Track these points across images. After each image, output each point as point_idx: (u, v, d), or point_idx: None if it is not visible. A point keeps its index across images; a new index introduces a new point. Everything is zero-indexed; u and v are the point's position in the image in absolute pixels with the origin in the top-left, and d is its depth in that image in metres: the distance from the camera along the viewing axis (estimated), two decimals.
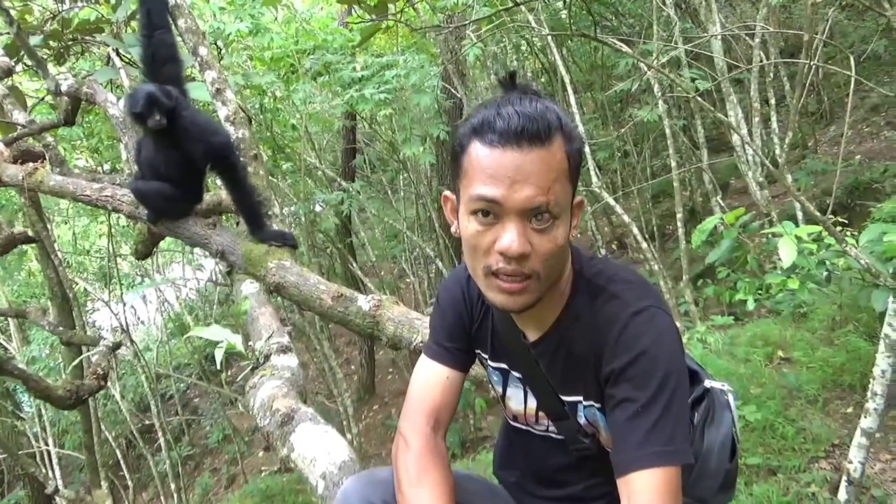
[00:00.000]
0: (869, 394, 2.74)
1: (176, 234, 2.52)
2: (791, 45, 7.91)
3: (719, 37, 4.24)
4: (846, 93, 8.05)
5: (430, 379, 1.21)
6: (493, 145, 0.92)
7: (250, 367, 1.65)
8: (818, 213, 2.60)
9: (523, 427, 1.23)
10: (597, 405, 1.08)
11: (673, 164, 5.23)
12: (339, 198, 5.68)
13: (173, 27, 2.68)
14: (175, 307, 12.02)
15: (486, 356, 1.22)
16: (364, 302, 1.91)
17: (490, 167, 0.93)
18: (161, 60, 2.47)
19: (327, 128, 7.69)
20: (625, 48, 2.89)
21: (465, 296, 1.22)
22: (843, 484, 2.85)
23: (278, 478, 7.40)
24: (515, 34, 6.64)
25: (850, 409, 3.44)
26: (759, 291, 4.37)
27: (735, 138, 4.77)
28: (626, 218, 5.04)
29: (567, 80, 4.88)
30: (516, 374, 1.18)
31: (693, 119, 6.62)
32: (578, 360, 1.07)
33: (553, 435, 1.19)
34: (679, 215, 5.31)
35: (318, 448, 1.27)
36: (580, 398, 1.10)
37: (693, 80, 4.82)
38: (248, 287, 2.23)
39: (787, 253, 2.87)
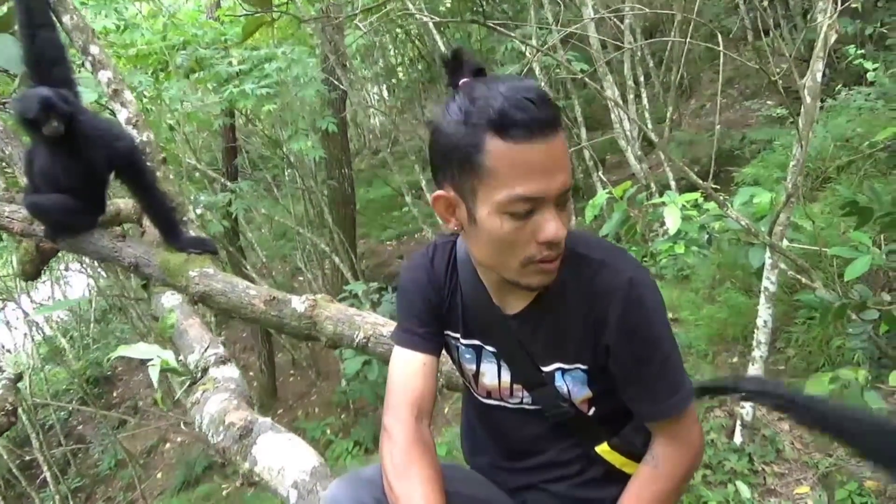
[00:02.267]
0: (754, 343, 2.99)
1: (80, 249, 2.30)
2: (650, 25, 8.42)
3: (594, 20, 4.45)
4: (702, 68, 8.70)
5: (407, 368, 1.19)
6: (519, 141, 0.91)
7: (188, 382, 1.55)
8: (701, 182, 2.79)
9: (496, 403, 1.23)
10: (583, 367, 1.12)
11: None
12: (227, 199, 5.44)
13: (58, 25, 2.44)
14: (46, 330, 11.05)
15: (458, 335, 1.21)
16: (298, 303, 1.85)
17: (525, 164, 0.92)
18: (49, 61, 2.25)
19: (205, 126, 7.33)
20: (512, 34, 2.96)
21: (430, 279, 1.21)
22: (738, 428, 3.11)
23: (184, 495, 7.07)
24: (392, 23, 6.62)
25: (735, 360, 3.75)
26: (645, 259, 4.66)
27: (614, 116, 5.03)
28: None
29: None
30: (490, 349, 1.18)
31: (570, 99, 6.91)
32: (568, 327, 1.09)
33: (527, 406, 1.20)
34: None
35: (285, 457, 1.22)
36: (562, 364, 1.12)
37: (569, 61, 5.02)
38: (170, 299, 2.09)
39: (672, 220, 3.05)
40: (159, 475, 8.40)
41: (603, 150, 8.11)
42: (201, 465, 7.46)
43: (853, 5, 3.08)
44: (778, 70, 3.00)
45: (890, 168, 3.98)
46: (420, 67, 9.86)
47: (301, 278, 9.16)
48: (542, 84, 5.08)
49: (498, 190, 0.94)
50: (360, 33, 5.32)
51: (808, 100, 2.52)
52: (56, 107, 2.07)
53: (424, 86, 10.42)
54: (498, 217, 0.96)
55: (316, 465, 1.20)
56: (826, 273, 3.18)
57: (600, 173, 5.83)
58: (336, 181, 7.27)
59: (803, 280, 3.09)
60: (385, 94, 12.69)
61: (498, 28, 2.73)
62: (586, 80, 2.65)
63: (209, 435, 1.37)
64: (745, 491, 2.84)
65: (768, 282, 2.90)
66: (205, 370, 1.58)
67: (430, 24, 4.32)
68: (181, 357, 1.65)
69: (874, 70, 4.20)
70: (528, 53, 4.47)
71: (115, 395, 10.92)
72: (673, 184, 5.54)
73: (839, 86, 5.36)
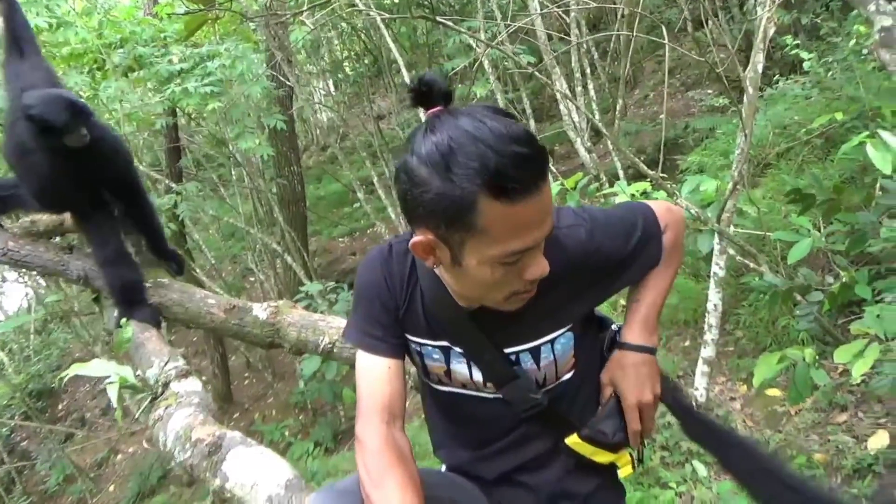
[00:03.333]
0: (706, 327, 3.08)
1: (23, 263, 2.15)
2: (594, 17, 8.55)
3: (540, 15, 4.49)
4: (644, 59, 8.88)
5: (371, 373, 1.16)
6: (516, 201, 0.89)
7: (148, 398, 1.48)
8: (650, 171, 2.85)
9: (472, 393, 1.22)
10: (569, 327, 1.16)
11: None
12: (173, 201, 5.29)
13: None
14: None
15: (421, 338, 1.19)
16: (260, 310, 1.80)
17: (519, 221, 0.91)
18: (23, 39, 2.03)
19: (146, 127, 7.10)
20: (461, 29, 2.96)
21: (386, 281, 1.18)
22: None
23: None
24: (338, 17, 6.54)
25: (687, 343, 3.87)
26: None
27: (562, 107, 5.09)
28: None
29: (402, 62, 4.90)
30: (458, 350, 1.17)
31: (517, 91, 6.97)
32: (540, 303, 1.09)
33: (502, 395, 1.20)
34: None
35: (258, 471, 1.19)
36: (556, 333, 1.15)
37: (517, 54, 5.06)
38: None
39: None
40: (112, 488, 8.14)
41: (551, 140, 8.21)
42: (156, 474, 7.27)
43: None
44: (718, 60, 3.09)
45: (826, 154, 4.15)
46: (367, 62, 9.78)
47: (252, 279, 9.00)
48: (491, 79, 5.10)
49: (491, 246, 0.93)
50: (306, 29, 5.23)
51: (751, 90, 2.61)
52: (84, 112, 1.77)
53: (372, 80, 10.36)
54: (489, 267, 0.96)
55: (290, 477, 1.16)
56: (770, 256, 3.30)
57: (550, 164, 5.90)
58: (285, 179, 7.16)
59: (751, 264, 3.19)
60: (332, 88, 12.53)
61: (447, 23, 2.73)
62: (536, 73, 2.67)
63: (175, 453, 1.31)
64: (701, 470, 2.93)
65: (717, 267, 2.99)
66: (166, 385, 1.52)
67: (378, 19, 4.29)
68: (139, 372, 1.58)
69: (809, 60, 4.36)
70: (475, 47, 4.49)
71: (60, 407, 10.53)
72: (621, 173, 5.64)
73: (776, 75, 5.56)
